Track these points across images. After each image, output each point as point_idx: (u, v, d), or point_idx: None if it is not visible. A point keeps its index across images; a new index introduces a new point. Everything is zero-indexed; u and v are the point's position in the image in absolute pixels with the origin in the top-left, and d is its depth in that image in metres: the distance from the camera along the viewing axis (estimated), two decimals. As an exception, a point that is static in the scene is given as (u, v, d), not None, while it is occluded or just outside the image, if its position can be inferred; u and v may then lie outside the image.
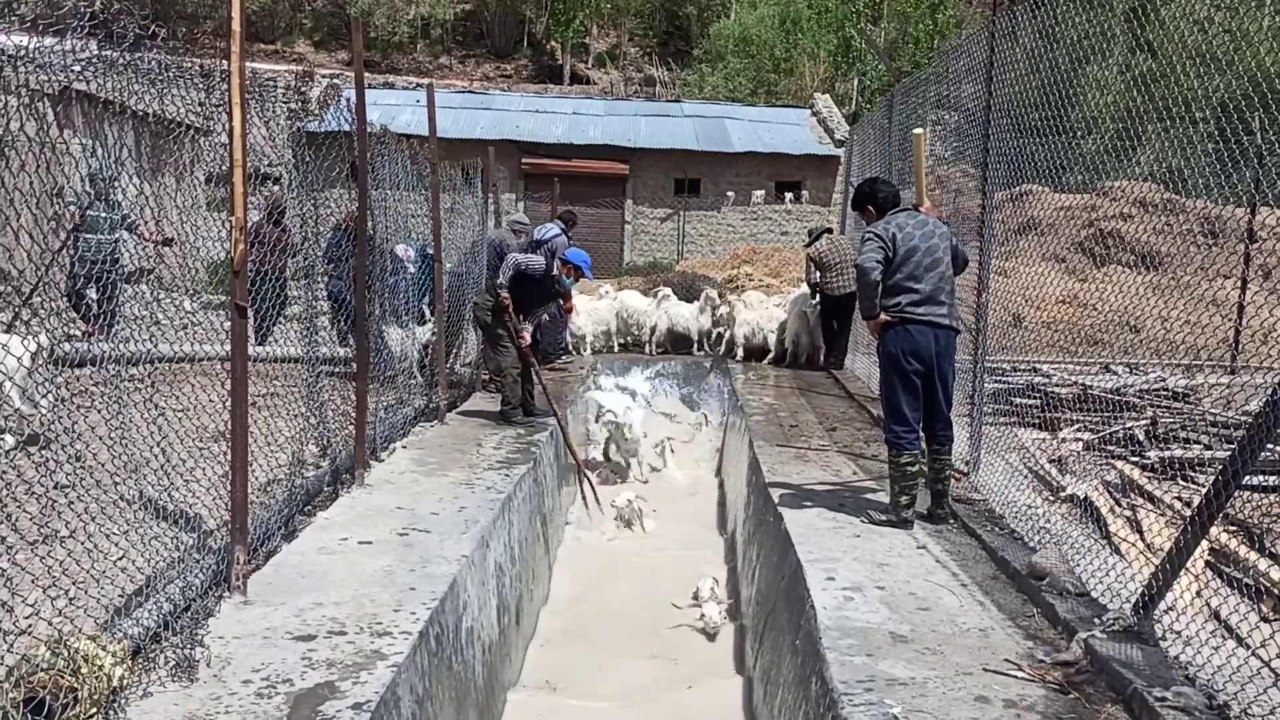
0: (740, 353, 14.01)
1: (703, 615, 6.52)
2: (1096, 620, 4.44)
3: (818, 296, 13.01)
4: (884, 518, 6.22)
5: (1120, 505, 6.43)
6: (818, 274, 12.87)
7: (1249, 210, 11.03)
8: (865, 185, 6.46)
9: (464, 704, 4.98)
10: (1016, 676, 4.11)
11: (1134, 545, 5.66)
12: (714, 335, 14.69)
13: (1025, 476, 7.06)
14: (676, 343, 14.82)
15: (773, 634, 5.78)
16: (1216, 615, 4.65)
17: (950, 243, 6.17)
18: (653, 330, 14.61)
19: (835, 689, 4.00)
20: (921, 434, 6.17)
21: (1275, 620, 4.68)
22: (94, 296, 8.39)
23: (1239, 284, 10.92)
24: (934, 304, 6.01)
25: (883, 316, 6.06)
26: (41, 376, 5.46)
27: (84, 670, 3.28)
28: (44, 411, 5.54)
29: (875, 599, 4.98)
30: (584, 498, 9.20)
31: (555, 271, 9.20)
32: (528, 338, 9.03)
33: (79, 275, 7.59)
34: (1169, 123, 4.87)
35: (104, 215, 8.13)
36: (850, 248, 13.22)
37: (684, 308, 14.82)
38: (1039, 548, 5.39)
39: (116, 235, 7.40)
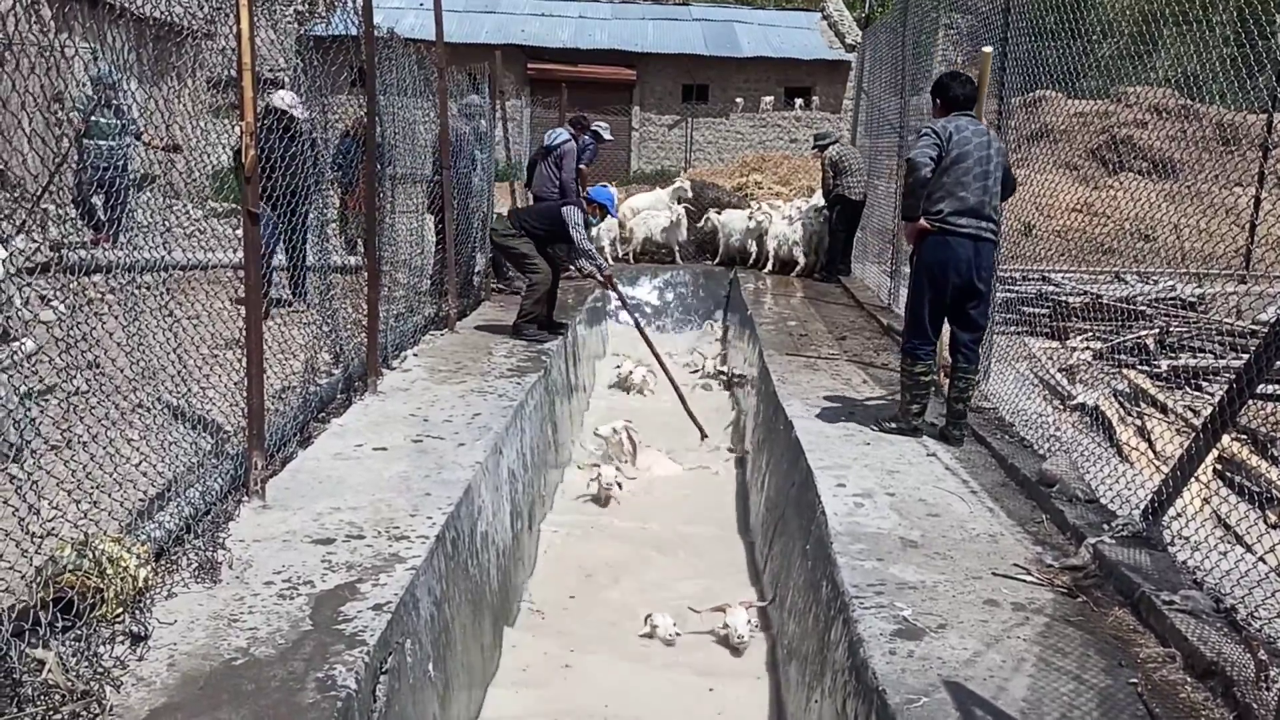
0: (771, 265, 13.80)
1: (726, 625, 5.39)
2: (1105, 526, 4.49)
3: (829, 208, 12.86)
4: (894, 425, 6.18)
5: (1130, 414, 6.45)
6: (833, 179, 12.63)
7: (1266, 116, 10.86)
8: (946, 76, 6.10)
9: (480, 606, 5.07)
10: (1025, 581, 4.17)
11: (1143, 453, 5.70)
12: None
13: (1035, 385, 7.08)
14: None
15: (783, 540, 5.86)
16: (1224, 522, 4.69)
17: (1005, 159, 5.91)
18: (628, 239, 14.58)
19: (846, 592, 4.06)
20: (935, 345, 6.06)
21: (1281, 527, 4.73)
22: (100, 203, 8.35)
23: (1254, 192, 10.79)
24: (978, 216, 5.75)
25: (922, 222, 5.81)
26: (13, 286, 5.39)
27: (109, 571, 3.34)
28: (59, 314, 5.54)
29: (885, 505, 5.03)
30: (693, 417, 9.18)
31: (577, 182, 9.05)
32: (594, 270, 9.17)
33: (86, 182, 7.54)
34: (1186, 26, 4.77)
35: (108, 121, 8.03)
36: (862, 156, 13.06)
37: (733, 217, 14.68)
38: (1048, 455, 5.43)
39: (127, 141, 7.32)
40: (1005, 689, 3.30)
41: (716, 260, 14.64)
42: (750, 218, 14.24)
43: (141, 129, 5.79)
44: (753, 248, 14.17)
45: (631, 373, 10.38)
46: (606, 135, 13.56)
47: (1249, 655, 3.31)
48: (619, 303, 13.15)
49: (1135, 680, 3.36)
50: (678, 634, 5.42)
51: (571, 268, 10.51)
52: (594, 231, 13.68)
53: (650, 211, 14.78)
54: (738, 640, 5.29)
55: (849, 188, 12.50)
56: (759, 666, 5.24)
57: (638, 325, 9.66)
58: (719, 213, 15.06)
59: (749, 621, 5.38)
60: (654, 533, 6.97)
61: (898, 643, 3.61)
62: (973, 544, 4.57)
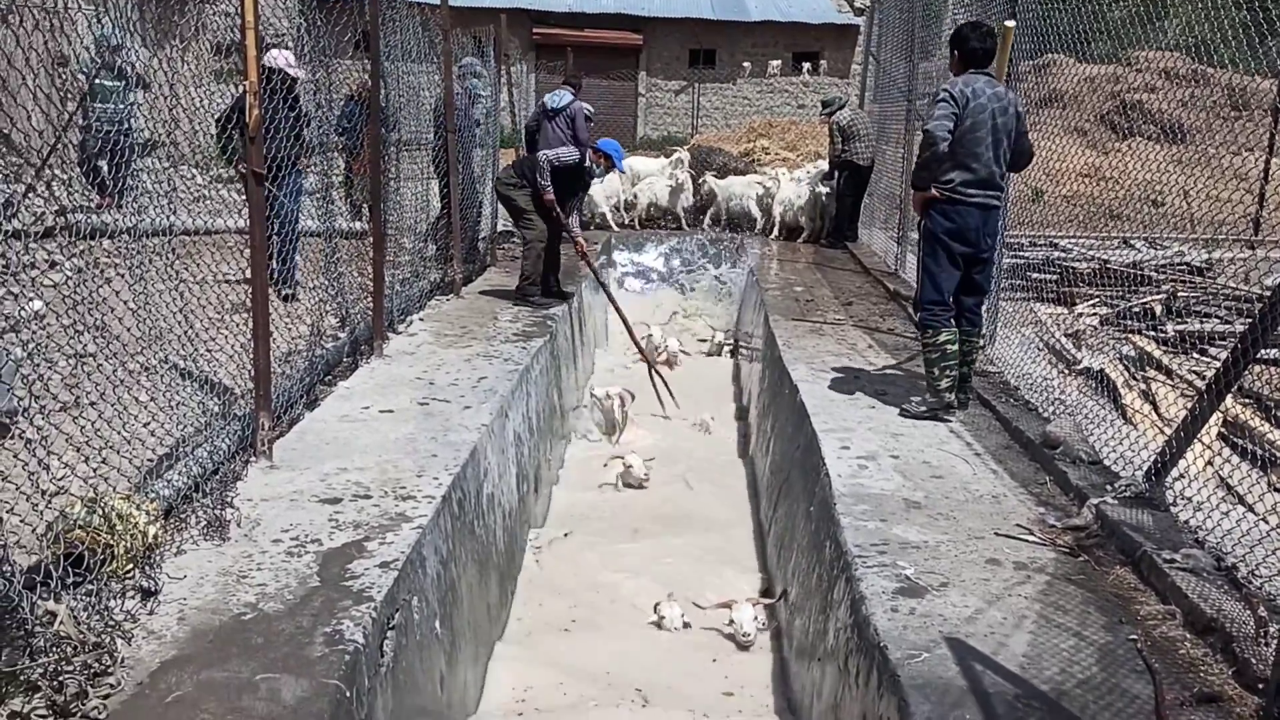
0: (776, 231, 13.77)
1: (732, 621, 5.28)
2: (1108, 487, 4.51)
3: (836, 173, 12.79)
4: (924, 408, 5.84)
5: (1135, 378, 6.45)
6: (840, 144, 12.55)
7: (1278, 81, 10.76)
8: (966, 27, 5.83)
9: (486, 566, 5.12)
10: (1027, 540, 4.20)
11: (1146, 416, 5.70)
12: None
13: (1040, 350, 7.08)
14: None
15: (788, 502, 5.89)
16: (1227, 483, 4.71)
17: (1021, 124, 5.74)
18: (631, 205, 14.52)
19: (849, 552, 4.09)
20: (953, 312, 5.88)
21: (1285, 489, 4.74)
22: (106, 167, 8.34)
23: (1264, 157, 10.72)
24: (988, 186, 5.63)
25: (932, 191, 5.70)
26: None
27: (119, 527, 3.38)
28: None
29: (889, 467, 5.05)
30: (657, 390, 8.85)
31: (589, 161, 8.74)
32: (578, 233, 8.84)
33: (91, 145, 7.53)
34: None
35: (112, 84, 8.02)
36: (871, 121, 12.97)
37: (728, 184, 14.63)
38: (1053, 418, 5.44)
39: (130, 100, 7.30)
40: (1005, 645, 3.33)
41: (714, 225, 14.59)
42: (754, 184, 14.22)
43: (148, 81, 5.75)
44: (756, 212, 14.14)
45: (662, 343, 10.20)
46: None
47: (1249, 612, 3.33)
48: (617, 268, 13.19)
49: (1135, 637, 3.38)
50: (686, 624, 5.32)
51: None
52: (595, 189, 13.58)
53: (655, 177, 14.72)
54: (743, 637, 5.18)
55: (857, 153, 12.43)
56: (763, 639, 5.28)
57: (609, 297, 9.47)
58: (719, 177, 15.00)
59: (755, 618, 5.26)
60: (659, 501, 7.01)
61: (900, 600, 3.64)
62: (976, 505, 4.60)
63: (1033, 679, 3.12)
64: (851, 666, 3.67)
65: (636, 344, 9.40)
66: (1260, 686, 2.99)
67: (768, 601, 5.54)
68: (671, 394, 8.82)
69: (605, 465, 7.35)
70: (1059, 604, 3.64)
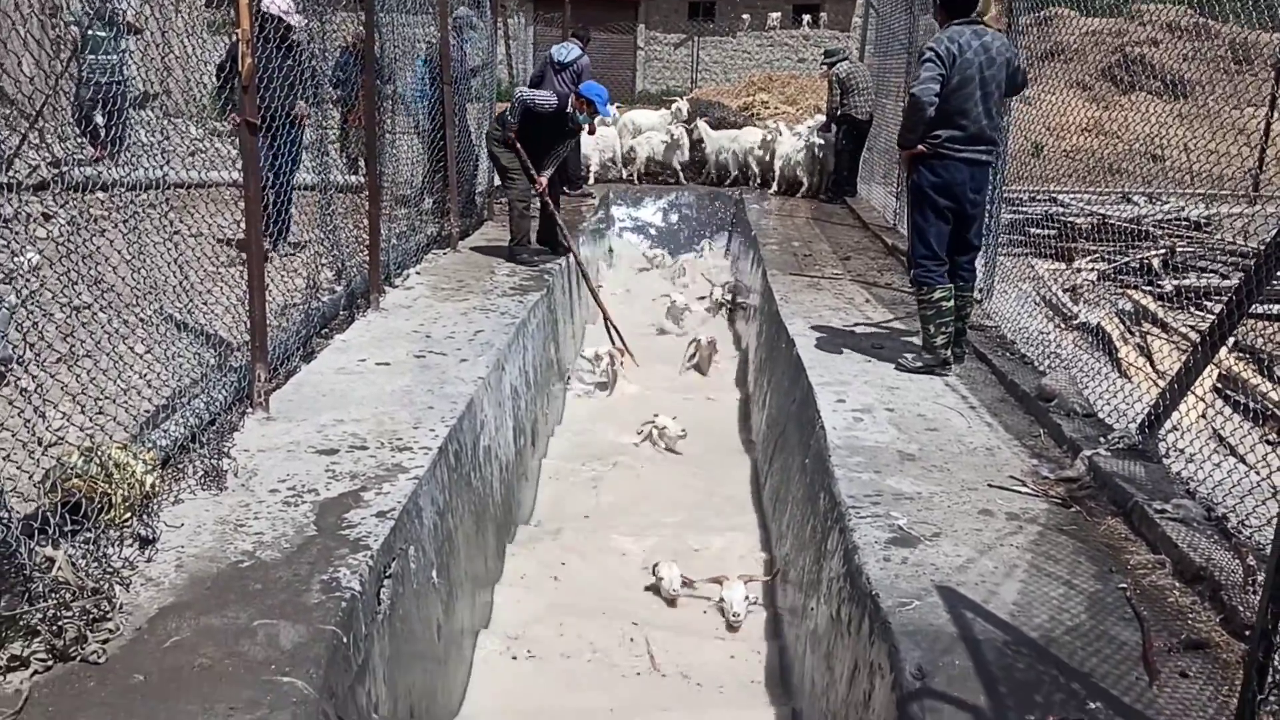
0: (776, 185, 13.68)
1: (722, 599, 5.09)
2: (1102, 439, 4.53)
3: (834, 127, 12.71)
4: (919, 363, 5.84)
5: (1132, 333, 6.46)
6: (839, 97, 12.46)
7: (1282, 35, 10.67)
8: None
9: (483, 518, 5.15)
10: (1020, 492, 4.23)
11: (1142, 370, 5.72)
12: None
13: (1038, 305, 7.08)
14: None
15: (783, 455, 5.92)
16: (1220, 435, 4.73)
17: (1011, 68, 5.63)
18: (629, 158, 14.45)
19: (843, 503, 4.11)
20: (948, 267, 5.83)
21: (1278, 444, 4.76)
22: (100, 119, 8.29)
23: (1266, 112, 10.66)
24: (977, 142, 5.58)
25: (919, 147, 5.64)
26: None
27: (117, 477, 3.39)
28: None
29: (884, 420, 5.07)
30: (610, 333, 8.96)
31: (571, 108, 8.49)
32: (543, 182, 8.51)
33: (84, 98, 7.48)
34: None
35: (104, 34, 7.95)
36: (870, 75, 12.86)
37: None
38: (1048, 372, 5.45)
39: (123, 49, 7.23)
40: (996, 593, 3.36)
41: (703, 178, 14.50)
42: (737, 139, 14.19)
43: (139, 27, 5.68)
44: (754, 166, 14.06)
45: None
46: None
47: (1238, 561, 3.36)
48: (615, 224, 13.15)
49: (1124, 585, 3.42)
50: (686, 587, 5.18)
51: (565, 189, 10.24)
52: (586, 142, 13.40)
53: (652, 132, 14.62)
54: (733, 617, 4.99)
55: (855, 107, 12.34)
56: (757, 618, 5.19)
57: (578, 263, 9.18)
58: (712, 127, 14.89)
59: (746, 598, 5.07)
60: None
61: (892, 550, 3.67)
62: (970, 457, 4.62)
63: (1022, 626, 3.16)
64: (844, 615, 3.70)
65: (599, 302, 9.37)
66: (1246, 633, 3.02)
67: (762, 579, 5.37)
68: (627, 348, 8.75)
69: (639, 431, 7.29)
70: (1050, 553, 3.67)
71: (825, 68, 12.92)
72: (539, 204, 8.86)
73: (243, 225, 4.76)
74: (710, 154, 14.40)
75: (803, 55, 25.66)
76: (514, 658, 4.63)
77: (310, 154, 7.03)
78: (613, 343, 8.73)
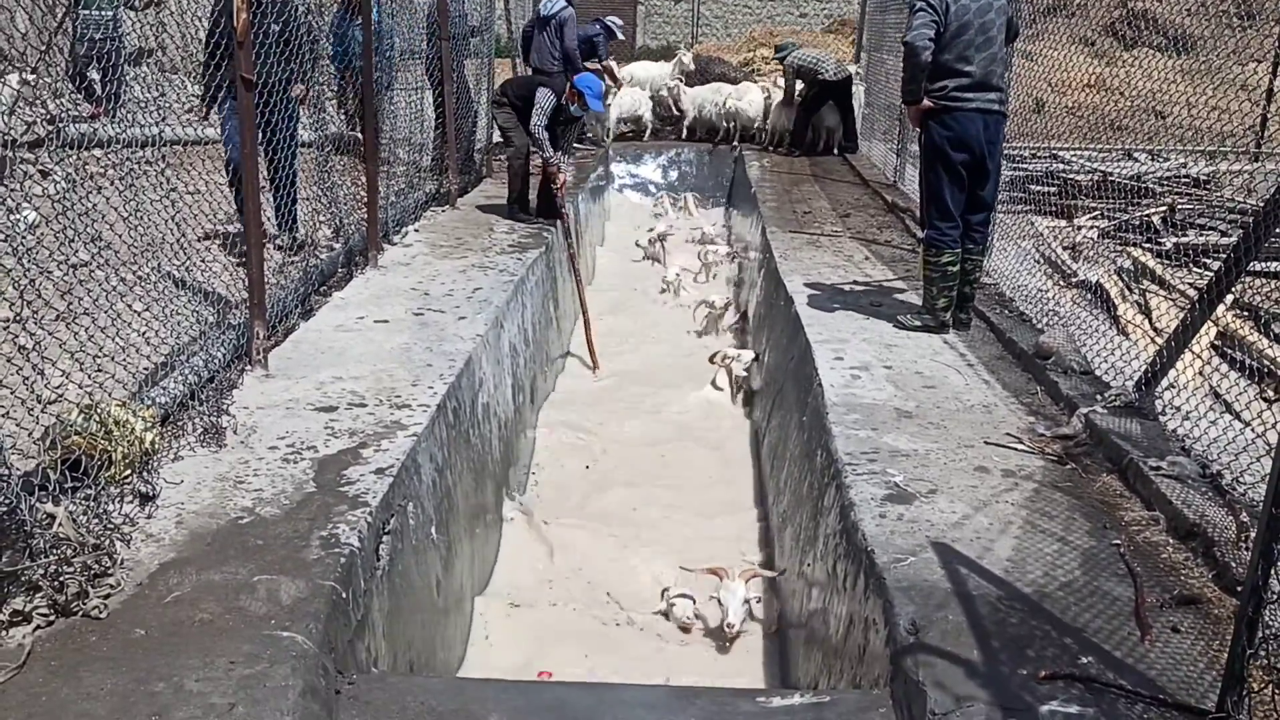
0: (768, 140, 13.64)
1: (720, 601, 4.49)
2: (1098, 397, 4.54)
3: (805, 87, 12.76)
4: (918, 322, 5.81)
5: (1131, 291, 6.45)
6: (800, 84, 12.67)
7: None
8: None
9: (482, 475, 5.18)
10: (1016, 449, 4.24)
11: (1140, 328, 5.72)
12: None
13: (1037, 262, 7.07)
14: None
15: (781, 412, 5.93)
16: (1216, 393, 4.74)
17: (1007, 14, 5.56)
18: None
19: (839, 460, 4.13)
20: (960, 230, 5.72)
21: (1276, 401, 4.78)
22: (96, 76, 8.22)
23: (1271, 68, 10.57)
24: (984, 89, 5.45)
25: (926, 103, 5.55)
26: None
27: (116, 434, 3.41)
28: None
29: (882, 377, 5.08)
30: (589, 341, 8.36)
31: (564, 100, 8.30)
32: (562, 177, 8.34)
33: (79, 54, 7.40)
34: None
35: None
36: (818, 52, 13.01)
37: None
38: (1046, 329, 5.45)
39: (116, 5, 7.14)
40: (991, 549, 3.39)
41: (684, 135, 14.31)
42: (719, 90, 14.19)
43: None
44: (737, 120, 13.91)
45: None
46: (619, 34, 13.28)
47: (1231, 517, 3.39)
48: (615, 181, 13.13)
49: (1118, 541, 3.44)
50: (696, 617, 4.61)
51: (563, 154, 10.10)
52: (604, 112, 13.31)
53: (628, 91, 14.42)
54: (728, 627, 4.41)
55: (823, 72, 12.39)
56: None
57: (570, 249, 8.59)
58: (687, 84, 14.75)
59: (745, 601, 4.47)
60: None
61: (888, 507, 3.69)
62: (967, 414, 4.63)
63: (1016, 582, 3.18)
64: (840, 571, 3.73)
65: (583, 305, 8.60)
66: (1238, 589, 3.04)
67: (767, 574, 4.84)
68: (594, 357, 8.18)
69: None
70: (1045, 510, 3.69)
71: (778, 60, 13.29)
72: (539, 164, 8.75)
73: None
74: (689, 110, 14.18)
75: (804, 10, 25.37)
76: (512, 611, 4.68)
77: (308, 110, 6.98)
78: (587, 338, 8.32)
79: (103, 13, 7.68)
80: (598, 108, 8.92)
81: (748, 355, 7.26)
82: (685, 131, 14.23)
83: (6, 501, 2.75)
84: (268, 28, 5.28)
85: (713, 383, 7.30)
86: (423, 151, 9.11)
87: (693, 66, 14.85)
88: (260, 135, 5.41)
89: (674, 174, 13.78)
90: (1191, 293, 6.15)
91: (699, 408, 7.12)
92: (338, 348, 5.18)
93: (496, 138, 11.26)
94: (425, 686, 3.11)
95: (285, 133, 6.22)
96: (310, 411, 4.34)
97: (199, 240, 5.03)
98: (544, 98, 8.19)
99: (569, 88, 8.36)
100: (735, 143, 13.69)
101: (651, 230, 11.43)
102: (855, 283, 6.91)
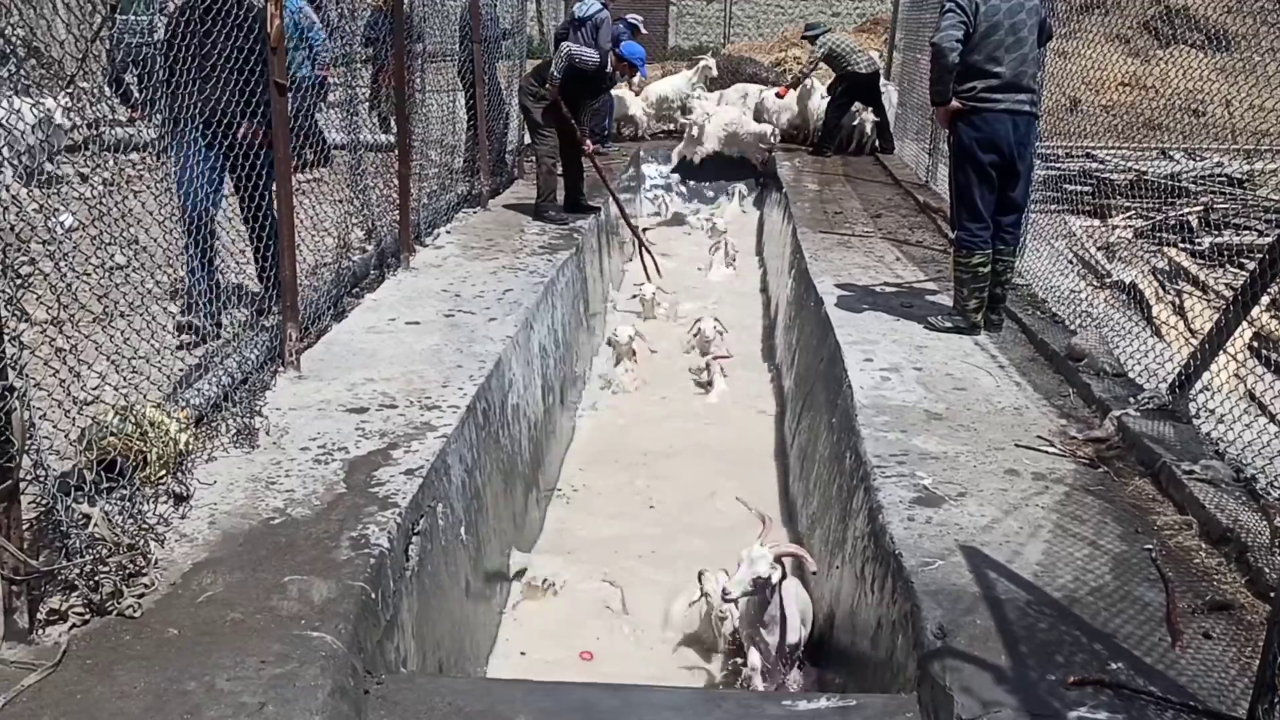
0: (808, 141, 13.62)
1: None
2: (1131, 399, 4.50)
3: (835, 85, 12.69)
4: (949, 324, 5.77)
5: (1166, 291, 6.39)
6: (830, 66, 12.60)
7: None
8: None
9: (511, 476, 5.20)
10: (1047, 452, 4.21)
11: (1175, 329, 5.66)
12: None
13: (1070, 263, 7.01)
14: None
15: (810, 414, 5.92)
16: (1252, 395, 4.69)
17: (1040, 15, 5.53)
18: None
19: (868, 462, 4.12)
20: (990, 231, 5.68)
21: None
22: (132, 80, 8.33)
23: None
24: (1015, 90, 5.41)
25: (955, 104, 5.52)
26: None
27: (151, 435, 3.46)
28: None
29: (912, 379, 5.06)
30: (645, 267, 9.61)
31: (610, 68, 8.58)
32: (590, 146, 8.59)
33: (117, 58, 7.50)
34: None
35: (137, -7, 7.96)
36: (852, 40, 12.92)
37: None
38: (1079, 330, 5.40)
39: (152, 12, 7.24)
40: (1020, 553, 3.36)
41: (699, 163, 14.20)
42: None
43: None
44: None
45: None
46: (642, 29, 13.30)
47: (1265, 522, 3.34)
48: (645, 180, 13.14)
49: (1150, 546, 3.41)
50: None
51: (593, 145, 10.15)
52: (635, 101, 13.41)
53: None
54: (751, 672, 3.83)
55: (855, 64, 12.33)
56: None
57: (620, 210, 9.59)
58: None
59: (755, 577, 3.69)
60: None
61: (916, 510, 3.68)
62: (997, 416, 4.60)
63: (1045, 586, 3.16)
64: (868, 574, 3.72)
65: (630, 225, 9.83)
66: (1271, 595, 3.01)
67: (801, 555, 3.94)
68: (658, 267, 9.62)
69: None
70: (1076, 514, 3.66)
71: (806, 38, 13.22)
72: (564, 162, 8.86)
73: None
74: (706, 146, 14.11)
75: (837, 9, 25.29)
76: (541, 610, 4.70)
77: (340, 113, 7.04)
78: (647, 275, 9.42)
79: (139, 18, 7.78)
80: (644, 74, 9.64)
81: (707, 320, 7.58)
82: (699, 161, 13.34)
83: (44, 501, 2.80)
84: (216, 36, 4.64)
85: (707, 384, 7.39)
86: (455, 153, 9.17)
87: (716, 74, 14.79)
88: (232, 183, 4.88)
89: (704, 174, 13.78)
90: (1227, 293, 6.08)
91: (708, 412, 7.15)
92: (369, 349, 5.23)
93: (528, 139, 11.34)
94: (453, 687, 3.14)
95: (261, 181, 4.95)
96: (341, 413, 4.38)
97: (234, 241, 5.08)
98: (590, 55, 8.37)
99: (617, 58, 8.59)
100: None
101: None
102: (886, 284, 6.88)
